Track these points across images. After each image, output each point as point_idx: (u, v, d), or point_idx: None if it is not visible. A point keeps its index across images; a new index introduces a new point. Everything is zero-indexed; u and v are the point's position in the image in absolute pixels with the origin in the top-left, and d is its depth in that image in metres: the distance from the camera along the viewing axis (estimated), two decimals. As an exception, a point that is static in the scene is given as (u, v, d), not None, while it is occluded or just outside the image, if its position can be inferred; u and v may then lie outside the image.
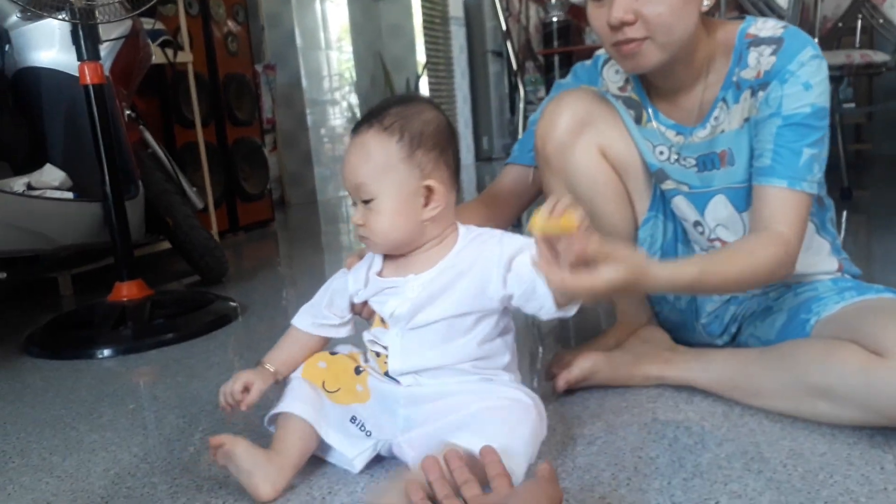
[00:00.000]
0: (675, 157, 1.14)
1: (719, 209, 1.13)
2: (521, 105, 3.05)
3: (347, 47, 5.29)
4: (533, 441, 0.87)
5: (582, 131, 1.15)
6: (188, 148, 3.07)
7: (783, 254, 0.98)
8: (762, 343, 1.12)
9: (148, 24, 2.66)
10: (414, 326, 0.93)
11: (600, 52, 1.24)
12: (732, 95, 1.06)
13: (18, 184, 1.70)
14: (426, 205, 0.91)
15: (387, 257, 0.99)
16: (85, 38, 1.66)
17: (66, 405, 1.34)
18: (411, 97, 0.98)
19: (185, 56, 2.94)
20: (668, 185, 1.17)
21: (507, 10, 2.80)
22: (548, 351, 1.46)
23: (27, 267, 1.64)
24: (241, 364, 1.55)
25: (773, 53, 1.01)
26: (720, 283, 0.99)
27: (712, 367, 1.10)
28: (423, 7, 6.25)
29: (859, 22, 3.50)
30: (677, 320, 1.26)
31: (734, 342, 1.22)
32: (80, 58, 1.67)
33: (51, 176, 1.78)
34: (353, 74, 5.32)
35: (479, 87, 7.20)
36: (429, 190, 0.91)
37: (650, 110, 1.15)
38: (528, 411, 0.89)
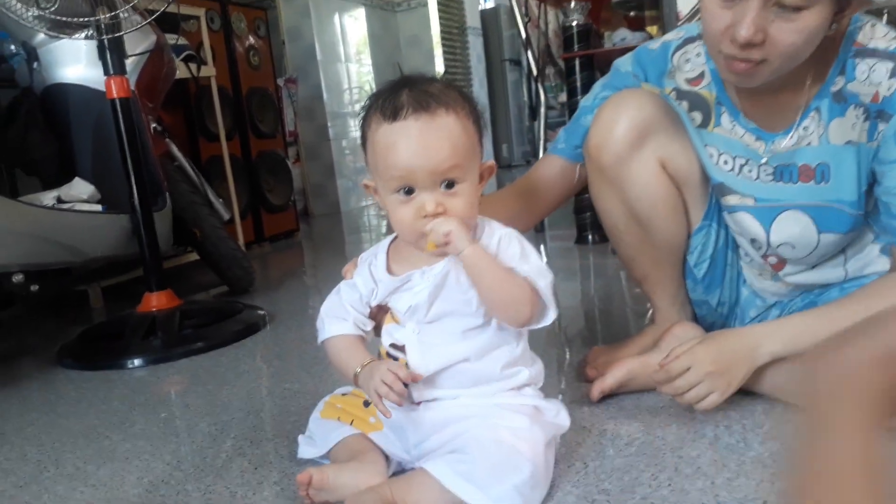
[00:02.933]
0: (742, 165, 1.07)
1: (790, 226, 1.05)
2: (543, 110, 3.03)
3: (367, 59, 5.32)
4: (530, 485, 0.81)
5: (642, 143, 1.09)
6: (213, 161, 3.10)
7: None
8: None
9: (171, 39, 2.70)
10: (431, 319, 0.90)
11: (670, 37, 1.15)
12: (830, 107, 0.97)
13: (48, 197, 1.72)
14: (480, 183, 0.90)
15: (392, 252, 0.95)
16: (111, 52, 1.68)
17: (99, 415, 1.35)
18: (433, 77, 0.90)
19: (209, 70, 2.97)
20: (730, 200, 1.10)
21: (526, 15, 2.79)
22: (575, 353, 1.43)
23: (58, 279, 1.66)
24: (271, 372, 1.55)
25: (894, 75, 0.90)
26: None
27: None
28: (440, 18, 6.28)
29: None
30: (718, 325, 1.22)
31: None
32: (106, 72, 1.69)
33: (80, 189, 1.80)
34: (373, 86, 5.35)
35: (497, 95, 7.20)
36: (490, 170, 0.91)
37: (728, 109, 1.07)
38: (534, 447, 0.84)
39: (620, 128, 1.09)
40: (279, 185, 3.62)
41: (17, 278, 1.53)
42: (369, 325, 0.96)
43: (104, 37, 1.65)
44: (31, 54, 1.91)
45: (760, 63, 0.90)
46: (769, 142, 1.04)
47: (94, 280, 2.22)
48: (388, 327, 0.95)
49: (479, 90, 7.06)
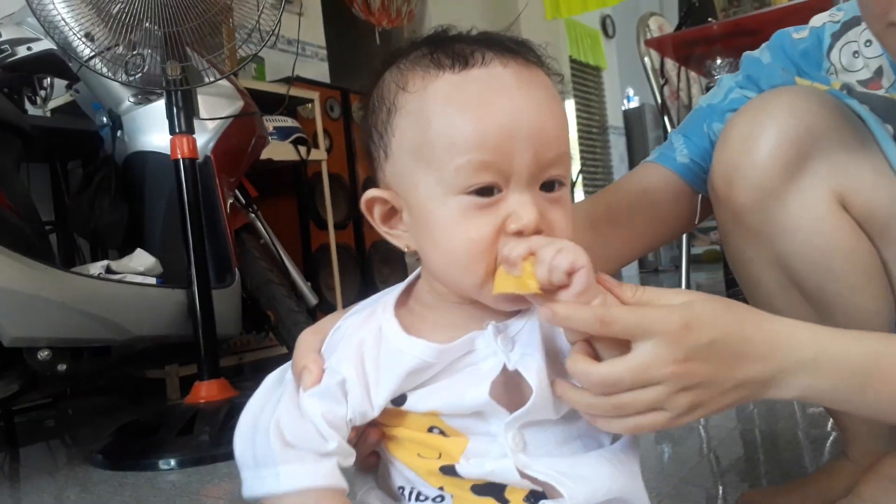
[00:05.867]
0: None
1: None
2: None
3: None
4: None
5: (803, 169, 0.70)
6: (323, 249, 2.97)
7: None
8: None
9: (283, 122, 2.64)
10: (560, 416, 0.52)
11: (822, 19, 0.78)
12: None
13: (96, 267, 1.55)
14: None
15: (403, 316, 0.56)
16: (177, 108, 1.52)
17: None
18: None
19: (319, 154, 2.87)
20: None
21: (662, 77, 2.43)
22: (731, 491, 1.02)
23: (94, 360, 1.46)
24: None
25: None
26: None
27: None
28: (577, 116, 6.13)
29: None
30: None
31: None
32: (171, 130, 1.53)
33: (139, 261, 1.62)
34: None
35: (642, 195, 6.81)
36: None
37: None
38: None
39: (764, 147, 0.70)
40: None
41: (43, 355, 1.33)
42: (350, 459, 0.54)
43: (171, 89, 1.50)
44: (116, 122, 1.82)
45: None
46: None
47: (141, 364, 2.01)
48: (443, 450, 0.53)
49: (621, 190, 6.72)
